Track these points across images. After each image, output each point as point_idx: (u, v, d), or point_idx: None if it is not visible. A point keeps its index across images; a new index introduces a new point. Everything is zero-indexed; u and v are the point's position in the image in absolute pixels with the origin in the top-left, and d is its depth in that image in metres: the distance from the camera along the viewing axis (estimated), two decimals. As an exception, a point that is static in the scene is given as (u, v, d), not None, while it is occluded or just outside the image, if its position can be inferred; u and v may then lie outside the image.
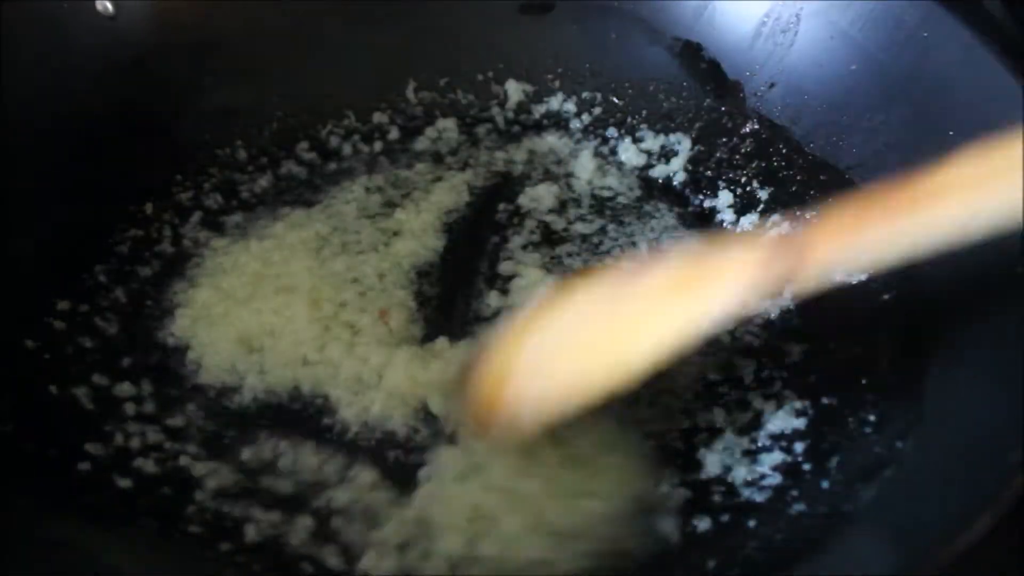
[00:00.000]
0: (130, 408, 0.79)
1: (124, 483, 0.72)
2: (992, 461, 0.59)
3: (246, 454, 0.78)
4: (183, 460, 0.76)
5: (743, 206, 0.96)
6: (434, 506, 0.72)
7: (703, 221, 0.97)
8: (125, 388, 0.80)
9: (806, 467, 0.72)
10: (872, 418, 0.72)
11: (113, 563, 0.64)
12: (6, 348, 0.77)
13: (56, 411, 0.75)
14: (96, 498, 0.70)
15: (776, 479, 0.73)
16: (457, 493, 0.73)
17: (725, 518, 0.71)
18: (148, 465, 0.75)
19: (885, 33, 0.88)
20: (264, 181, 1.00)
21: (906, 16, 0.86)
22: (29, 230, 0.83)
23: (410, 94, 1.08)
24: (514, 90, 1.08)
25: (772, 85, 0.96)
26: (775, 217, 0.93)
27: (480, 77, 1.09)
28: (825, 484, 0.69)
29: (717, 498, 0.73)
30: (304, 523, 0.73)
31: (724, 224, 0.96)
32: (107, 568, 0.63)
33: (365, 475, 0.75)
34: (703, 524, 0.71)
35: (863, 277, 0.82)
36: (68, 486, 0.70)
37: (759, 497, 0.72)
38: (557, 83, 1.08)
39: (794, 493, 0.70)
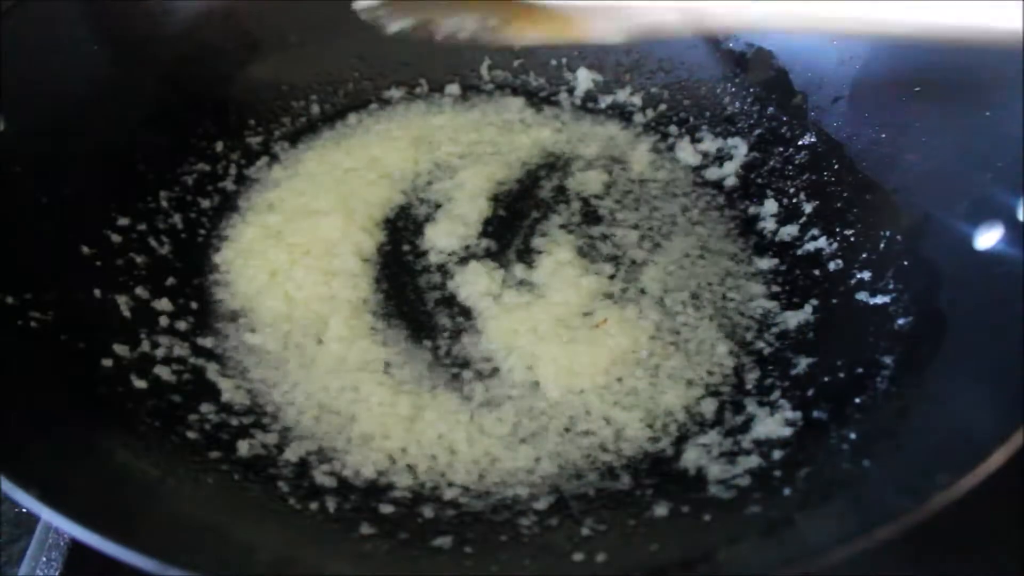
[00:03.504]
0: (164, 321, 0.86)
1: (140, 384, 0.78)
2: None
3: (257, 380, 0.84)
4: (200, 375, 0.83)
5: (786, 216, 0.95)
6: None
7: (744, 226, 0.97)
8: (163, 304, 0.87)
9: (776, 474, 0.72)
10: (852, 436, 0.71)
11: (106, 447, 0.70)
12: (63, 249, 0.84)
13: (95, 311, 0.82)
14: (109, 392, 0.76)
15: (745, 481, 0.72)
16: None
17: (684, 509, 0.71)
18: (166, 373, 0.81)
19: (953, 62, 0.85)
20: (330, 135, 1.06)
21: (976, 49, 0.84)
22: (109, 148, 0.92)
23: (484, 71, 1.12)
24: (584, 78, 1.10)
25: (836, 100, 0.95)
26: (815, 231, 0.92)
27: (554, 62, 1.11)
28: (787, 491, 0.69)
29: (684, 489, 0.74)
30: (297, 449, 0.78)
31: (764, 232, 0.95)
32: (101, 449, 0.69)
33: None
34: (661, 510, 0.71)
35: (885, 300, 0.81)
36: (88, 378, 0.76)
37: (724, 495, 0.72)
38: (628, 76, 1.09)
39: (756, 496, 0.70)
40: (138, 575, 0.57)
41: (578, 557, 0.67)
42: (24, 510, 0.85)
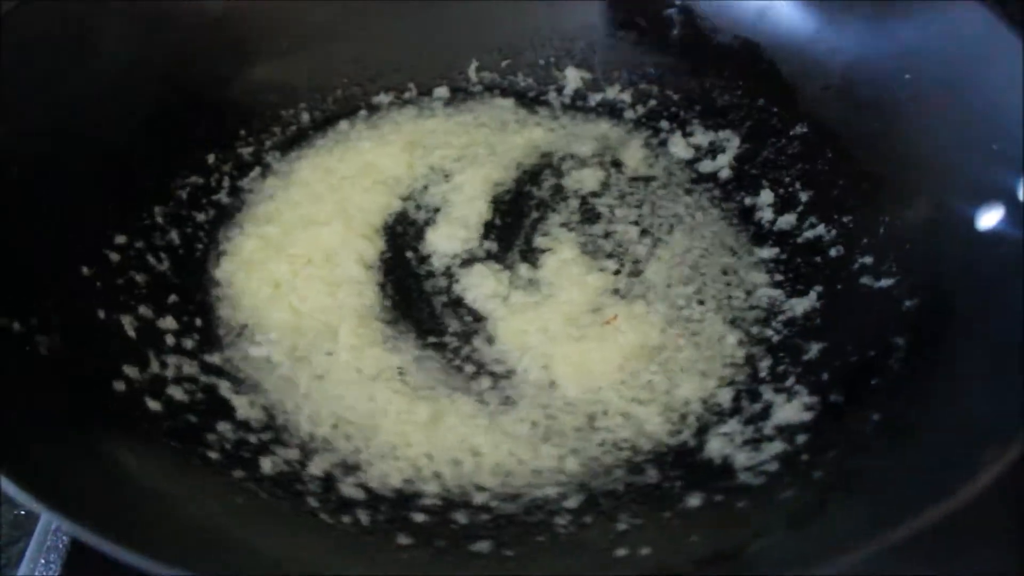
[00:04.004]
0: (170, 340, 0.84)
1: (154, 406, 0.77)
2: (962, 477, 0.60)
3: (272, 396, 0.83)
4: (213, 392, 0.81)
5: (783, 206, 0.96)
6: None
7: (742, 217, 0.98)
8: (168, 322, 0.86)
9: (804, 458, 0.73)
10: (875, 417, 0.72)
11: (129, 472, 0.68)
12: (64, 270, 0.82)
13: (101, 334, 0.80)
14: (126, 415, 0.75)
15: (774, 466, 0.73)
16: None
17: (718, 498, 0.72)
18: (179, 393, 0.79)
19: (942, 45, 0.88)
20: (321, 143, 1.05)
21: (964, 29, 0.86)
22: (100, 164, 0.89)
23: (472, 73, 1.12)
24: (573, 77, 1.11)
25: (826, 88, 0.97)
26: (812, 219, 0.93)
27: (541, 61, 1.12)
28: (818, 474, 0.70)
29: (713, 479, 0.74)
30: (320, 463, 0.77)
31: (762, 222, 0.96)
32: (124, 473, 0.68)
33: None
34: (695, 501, 0.72)
35: (890, 282, 0.83)
36: (102, 402, 0.75)
37: (755, 481, 0.73)
38: (616, 73, 1.10)
39: (787, 480, 0.71)
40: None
41: (621, 553, 0.67)
42: (23, 512, 0.86)
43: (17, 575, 0.80)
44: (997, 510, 0.58)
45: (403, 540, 0.70)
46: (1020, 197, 0.76)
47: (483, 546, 0.69)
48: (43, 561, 0.79)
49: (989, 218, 0.78)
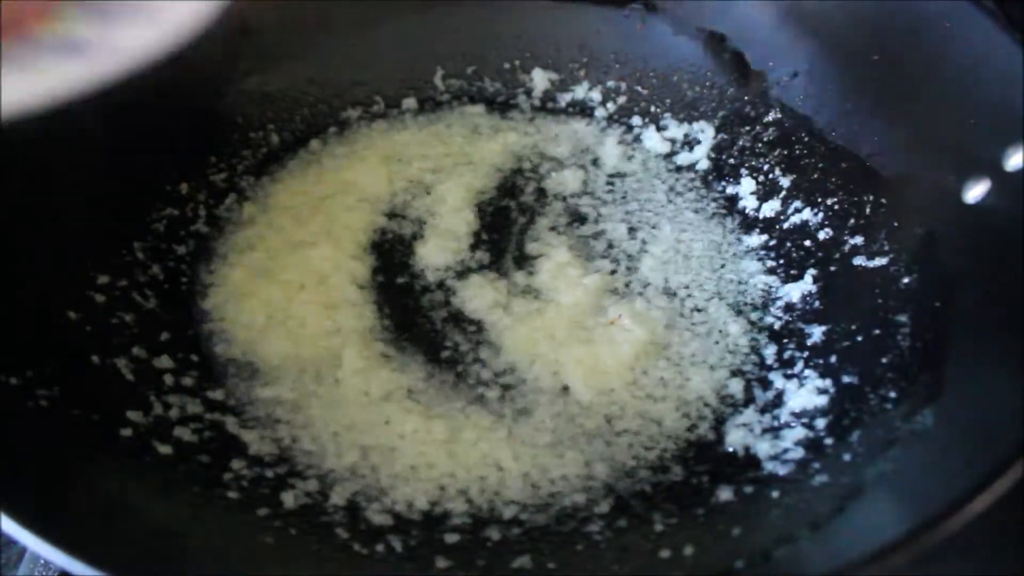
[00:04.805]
0: (168, 379, 0.81)
1: (164, 449, 0.74)
2: (1004, 438, 0.61)
3: (282, 429, 0.80)
4: (220, 429, 0.79)
5: (765, 192, 0.97)
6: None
7: (726, 207, 0.99)
8: (163, 361, 0.82)
9: (828, 442, 0.74)
10: (892, 395, 0.74)
11: (160, 522, 0.66)
12: (51, 318, 0.79)
13: (98, 380, 0.77)
14: (139, 462, 0.72)
15: (799, 453, 0.74)
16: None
17: (748, 489, 0.73)
18: (187, 434, 0.76)
19: (907, 23, 0.90)
20: (295, 164, 1.03)
21: (928, 7, 0.88)
22: (72, 206, 0.85)
23: (438, 81, 1.10)
24: (540, 78, 1.10)
25: (795, 75, 0.98)
26: (797, 203, 0.94)
27: (507, 65, 1.11)
28: (847, 457, 0.71)
29: (739, 471, 0.75)
30: (342, 492, 0.75)
31: (746, 210, 0.97)
32: (150, 524, 0.65)
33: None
34: (726, 495, 0.73)
35: (883, 261, 0.84)
36: (113, 450, 0.72)
37: (782, 470, 0.73)
38: (583, 72, 1.10)
39: (816, 466, 0.72)
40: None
41: (665, 555, 0.67)
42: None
43: (17, 575, 0.79)
44: (997, 510, 0.59)
45: (442, 563, 0.69)
46: (1006, 168, 0.78)
47: (523, 561, 0.69)
48: (43, 561, 0.78)
49: (975, 192, 0.80)
